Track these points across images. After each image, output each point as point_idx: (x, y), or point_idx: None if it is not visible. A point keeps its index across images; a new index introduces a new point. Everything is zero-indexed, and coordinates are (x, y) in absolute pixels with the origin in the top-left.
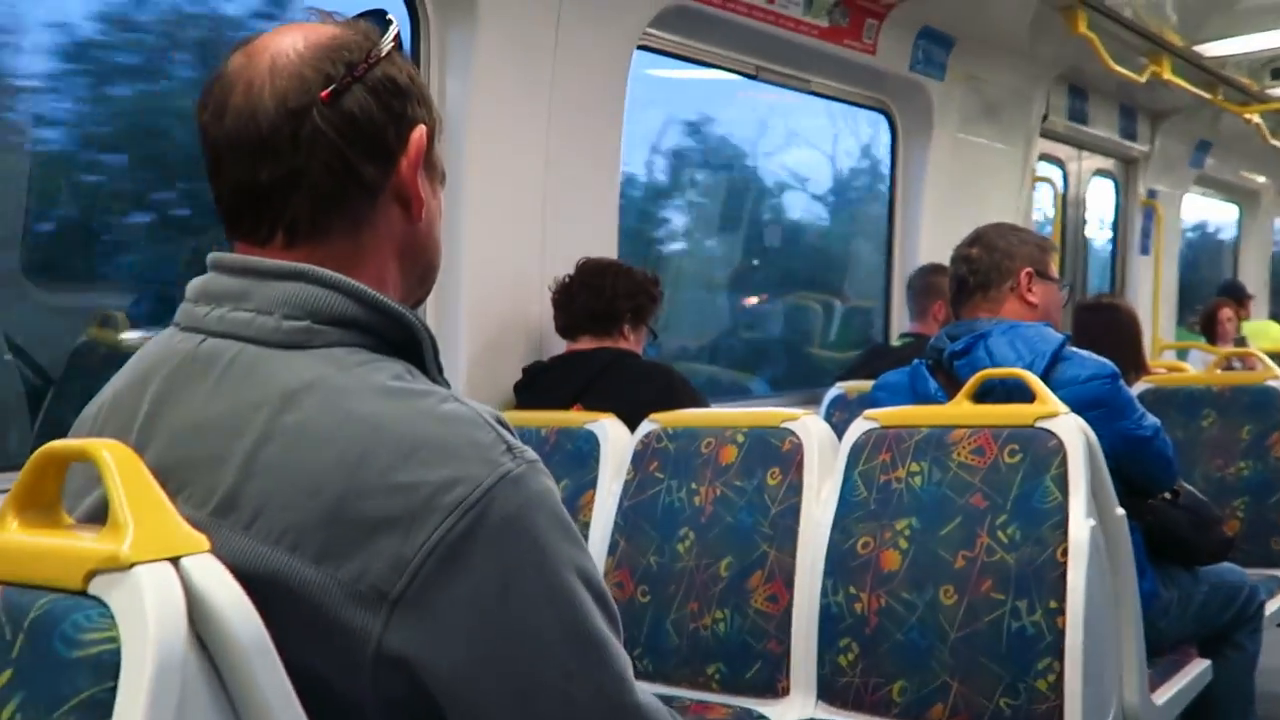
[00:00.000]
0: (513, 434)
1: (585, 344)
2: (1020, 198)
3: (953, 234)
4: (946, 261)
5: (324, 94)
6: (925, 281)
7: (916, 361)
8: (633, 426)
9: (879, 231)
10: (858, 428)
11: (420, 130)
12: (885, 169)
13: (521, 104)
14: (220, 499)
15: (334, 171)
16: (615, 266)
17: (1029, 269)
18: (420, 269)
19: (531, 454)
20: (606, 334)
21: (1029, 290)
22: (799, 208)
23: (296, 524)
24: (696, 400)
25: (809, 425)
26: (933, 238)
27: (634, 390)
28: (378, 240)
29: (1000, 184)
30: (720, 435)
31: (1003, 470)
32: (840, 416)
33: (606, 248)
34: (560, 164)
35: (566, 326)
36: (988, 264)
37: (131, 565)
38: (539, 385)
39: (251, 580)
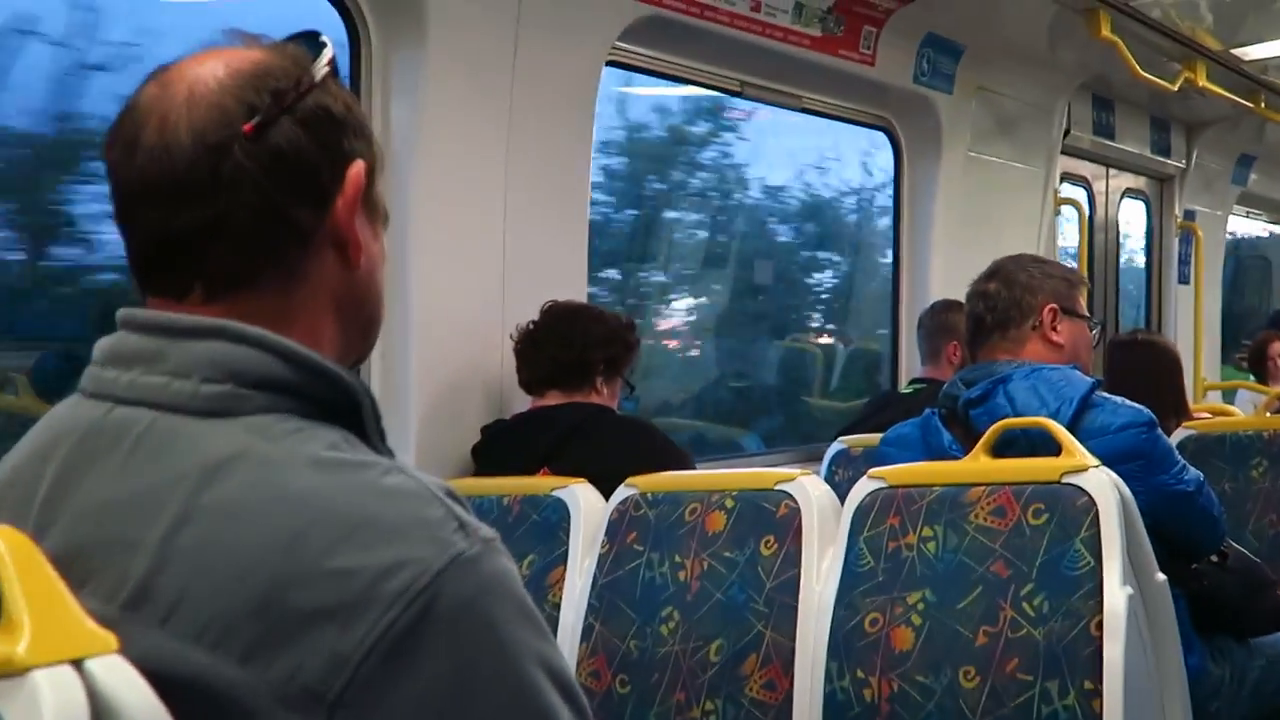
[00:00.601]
0: (466, 509)
1: (553, 399)
2: (1042, 223)
3: (967, 266)
4: (961, 297)
5: (247, 127)
6: (937, 320)
7: (928, 411)
8: (607, 492)
9: (884, 265)
10: (863, 488)
11: (358, 166)
12: (890, 193)
13: (477, 131)
14: (132, 590)
15: (260, 215)
16: (586, 311)
17: (1053, 305)
18: (361, 322)
19: (488, 531)
20: (577, 388)
21: (1053, 329)
22: (792, 239)
23: (219, 618)
24: (680, 460)
25: (807, 486)
26: (945, 270)
27: (609, 451)
28: (311, 292)
29: (1019, 208)
30: (707, 500)
31: (1027, 533)
32: (843, 475)
33: (575, 290)
34: (522, 196)
35: (531, 380)
36: (1007, 300)
37: (28, 670)
38: (500, 448)
39: (167, 683)
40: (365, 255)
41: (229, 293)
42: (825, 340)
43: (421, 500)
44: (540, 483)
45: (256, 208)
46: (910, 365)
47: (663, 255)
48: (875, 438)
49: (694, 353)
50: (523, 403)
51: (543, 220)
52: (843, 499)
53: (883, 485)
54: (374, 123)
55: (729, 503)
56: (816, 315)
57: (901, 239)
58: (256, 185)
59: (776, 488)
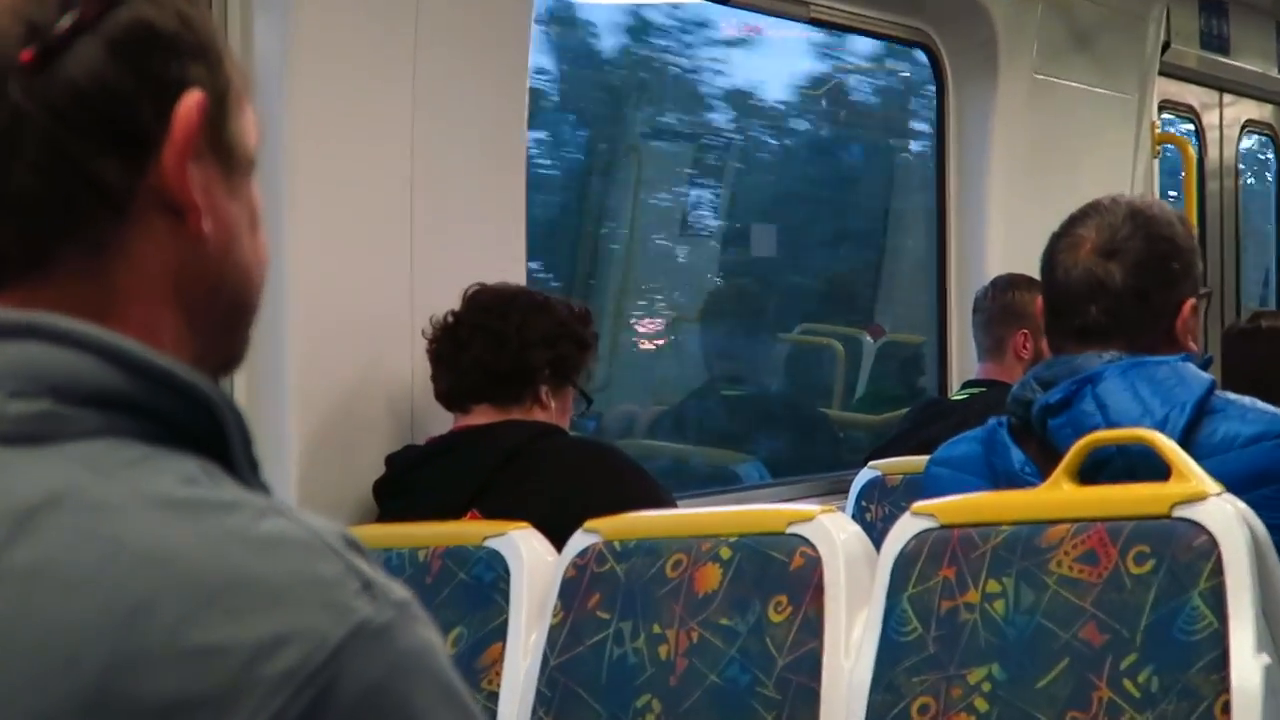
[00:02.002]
0: (372, 564)
1: (482, 417)
2: (1135, 169)
3: (1035, 229)
4: (1027, 269)
5: (26, 55)
6: (999, 303)
7: (993, 422)
8: (560, 541)
9: (926, 227)
10: (905, 529)
11: (193, 100)
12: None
13: (370, 56)
14: None
15: (50, 175)
16: (525, 297)
17: None
18: (219, 313)
19: (400, 592)
20: (515, 401)
21: None
22: (803, 196)
23: (39, 715)
24: (656, 497)
25: (830, 528)
26: (1005, 235)
27: (560, 485)
28: (137, 273)
29: (1103, 150)
30: (695, 549)
31: (1127, 585)
32: (878, 512)
33: (510, 269)
34: (435, 143)
35: (453, 392)
36: None
37: None
38: (413, 483)
39: None
40: (215, 220)
41: (21, 279)
42: (849, 331)
43: (311, 552)
44: (468, 529)
45: (44, 165)
46: (963, 363)
47: (628, 219)
48: (920, 460)
49: (673, 351)
50: (442, 422)
51: (465, 175)
52: (878, 543)
53: (932, 524)
54: (225, 42)
55: (725, 552)
56: (837, 297)
57: (947, 195)
58: (44, 134)
59: (789, 531)
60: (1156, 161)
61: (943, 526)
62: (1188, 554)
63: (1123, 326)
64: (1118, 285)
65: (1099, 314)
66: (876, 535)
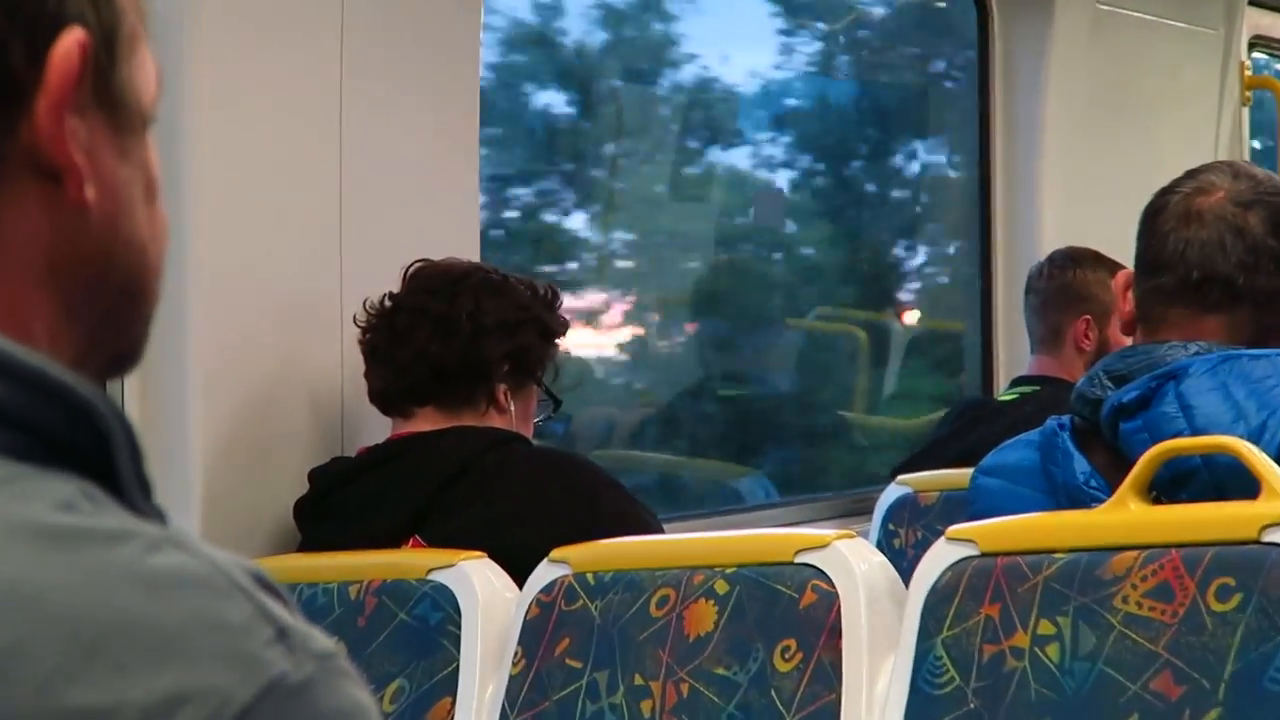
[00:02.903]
0: (288, 606)
1: (426, 422)
2: (1221, 119)
3: (1099, 191)
4: (1089, 241)
5: None
6: (1058, 282)
7: (1053, 423)
8: (521, 572)
9: (965, 193)
10: (940, 558)
11: (72, 39)
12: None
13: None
14: None
15: None
16: (479, 275)
17: None
18: (106, 300)
19: (322, 641)
20: (466, 402)
21: None
22: (811, 150)
23: None
24: (639, 520)
25: (849, 556)
26: (1063, 201)
27: (522, 505)
28: (1, 251)
29: (1181, 96)
30: (686, 582)
31: (1208, 625)
32: (908, 537)
33: (461, 241)
34: (369, 90)
35: (390, 392)
36: None
37: None
38: (342, 504)
39: None
40: (100, 186)
41: None
42: (874, 316)
43: (213, 592)
44: (409, 560)
45: None
46: (1012, 355)
47: (600, 178)
48: (959, 475)
49: (658, 341)
50: (377, 429)
51: (404, 128)
52: (907, 575)
53: (972, 552)
54: None
55: (721, 586)
56: (859, 275)
57: (992, 153)
58: None
59: (799, 560)
60: (1246, 110)
61: (985, 554)
62: None
63: (1255, 290)
64: (1257, 236)
65: (1233, 267)
66: (906, 565)
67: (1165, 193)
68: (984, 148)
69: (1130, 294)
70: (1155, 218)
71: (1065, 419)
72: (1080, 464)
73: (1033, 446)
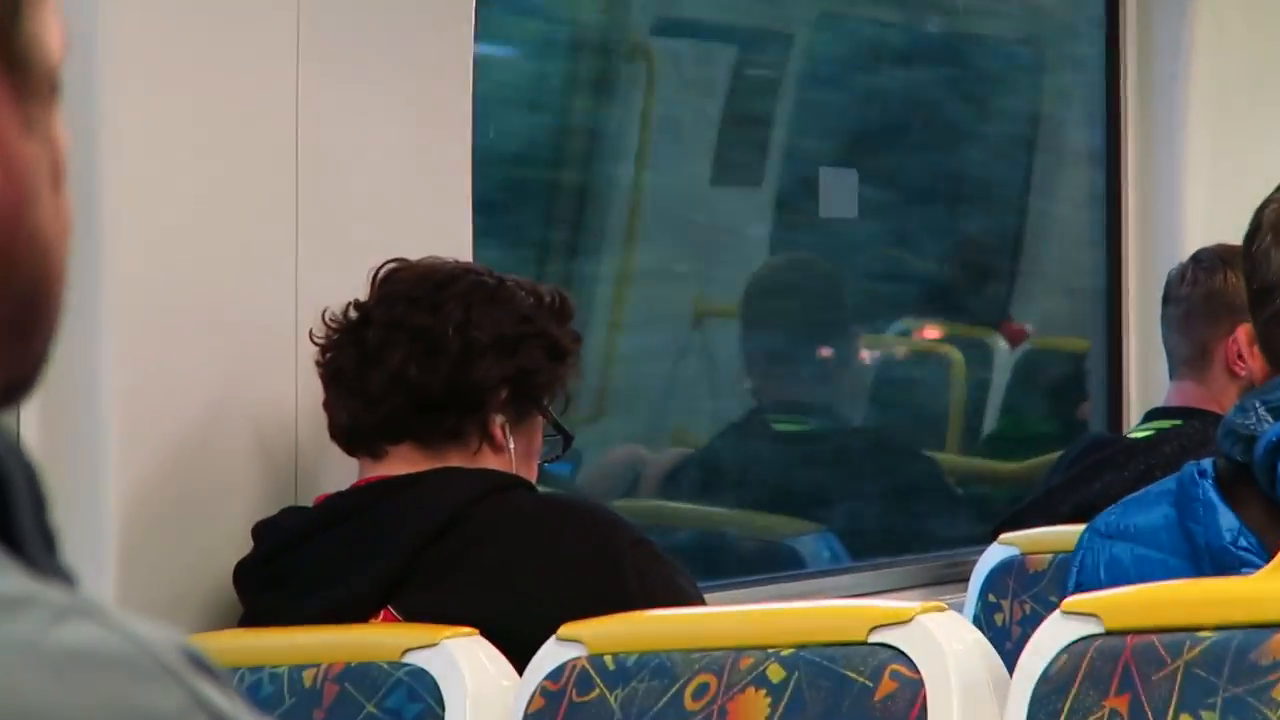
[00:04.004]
0: (229, 692)
1: (402, 464)
2: None
3: (1259, 180)
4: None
5: None
6: (1205, 288)
7: (1191, 469)
8: (521, 655)
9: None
10: (1054, 636)
11: None
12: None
13: None
14: None
15: None
16: (470, 279)
17: None
18: (2, 308)
19: None
20: (454, 438)
21: None
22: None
23: None
24: (673, 588)
25: (937, 635)
26: (1212, 189)
27: (522, 568)
28: None
29: None
30: (729, 667)
31: None
32: (1014, 611)
33: (450, 238)
34: (330, 65)
35: (359, 425)
36: None
37: None
38: (295, 567)
39: None
40: (1, 163)
41: None
42: (972, 332)
43: (134, 675)
44: (380, 638)
45: None
46: (1147, 381)
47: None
48: (1076, 533)
49: (693, 360)
50: (341, 472)
51: (376, 98)
52: (1012, 658)
53: (1094, 629)
54: None
55: (776, 672)
56: (954, 282)
57: (1123, 131)
58: None
59: (874, 639)
60: None
61: (1110, 632)
62: None
63: None
64: None
65: None
66: (1010, 646)
67: (1261, 207)
68: (1112, 126)
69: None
70: (1251, 239)
71: (1207, 463)
72: (1227, 519)
73: (1168, 499)
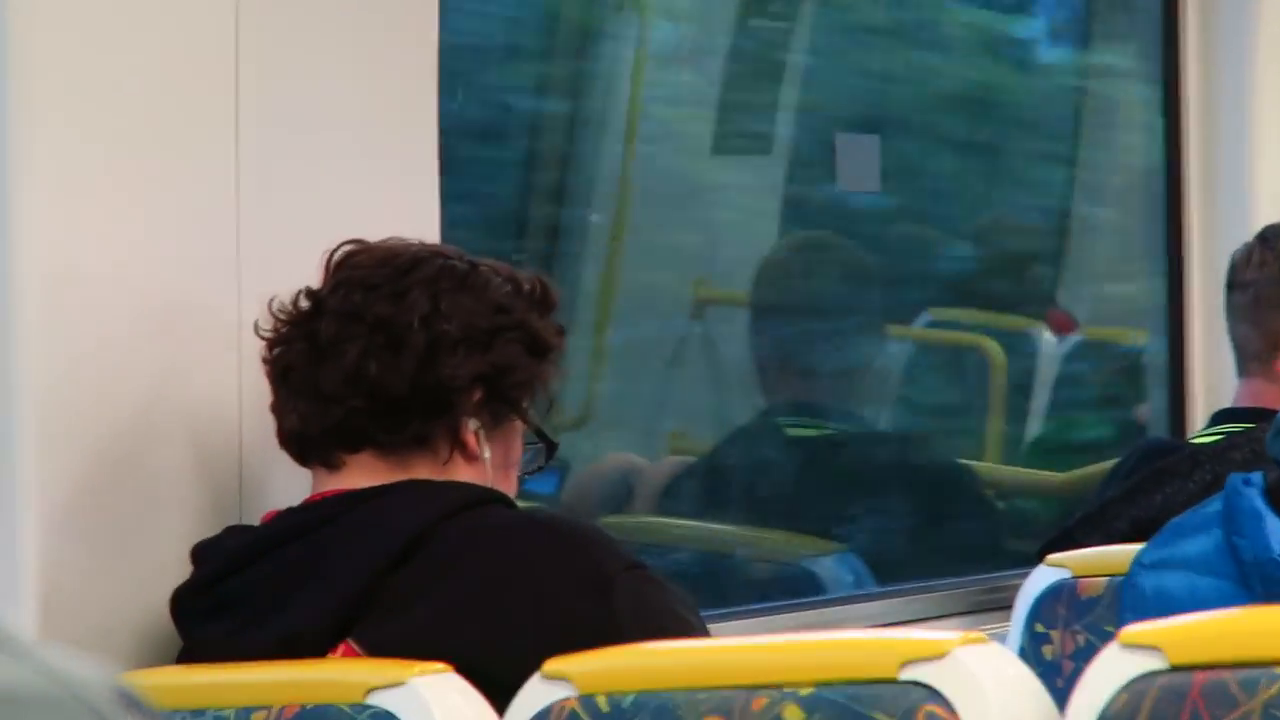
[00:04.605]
0: None
1: (362, 476)
2: None
3: None
4: None
5: None
6: (1278, 270)
7: (1236, 480)
8: (500, 694)
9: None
10: (1112, 673)
11: None
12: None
13: None
14: None
15: None
16: (436, 263)
17: None
18: None
19: None
20: (420, 445)
21: None
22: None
23: None
24: (673, 617)
25: (976, 671)
26: None
27: (500, 596)
28: None
29: None
30: (741, 709)
31: None
32: (1065, 642)
33: (414, 218)
34: (274, 17)
35: (311, 431)
36: None
37: None
38: (240, 594)
39: None
40: None
41: None
42: (1012, 322)
43: (59, 717)
44: (340, 675)
45: None
46: (1212, 378)
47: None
48: (1134, 553)
49: (694, 355)
50: (292, 485)
51: (326, 56)
52: (1064, 696)
53: (1158, 665)
54: None
55: (794, 713)
56: (991, 265)
57: (1182, 93)
58: None
59: (905, 675)
60: None
61: (1176, 668)
62: None
63: None
64: None
65: None
66: (1061, 682)
67: None
68: (1170, 87)
69: None
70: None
71: (1256, 475)
72: (1275, 528)
73: (1216, 520)
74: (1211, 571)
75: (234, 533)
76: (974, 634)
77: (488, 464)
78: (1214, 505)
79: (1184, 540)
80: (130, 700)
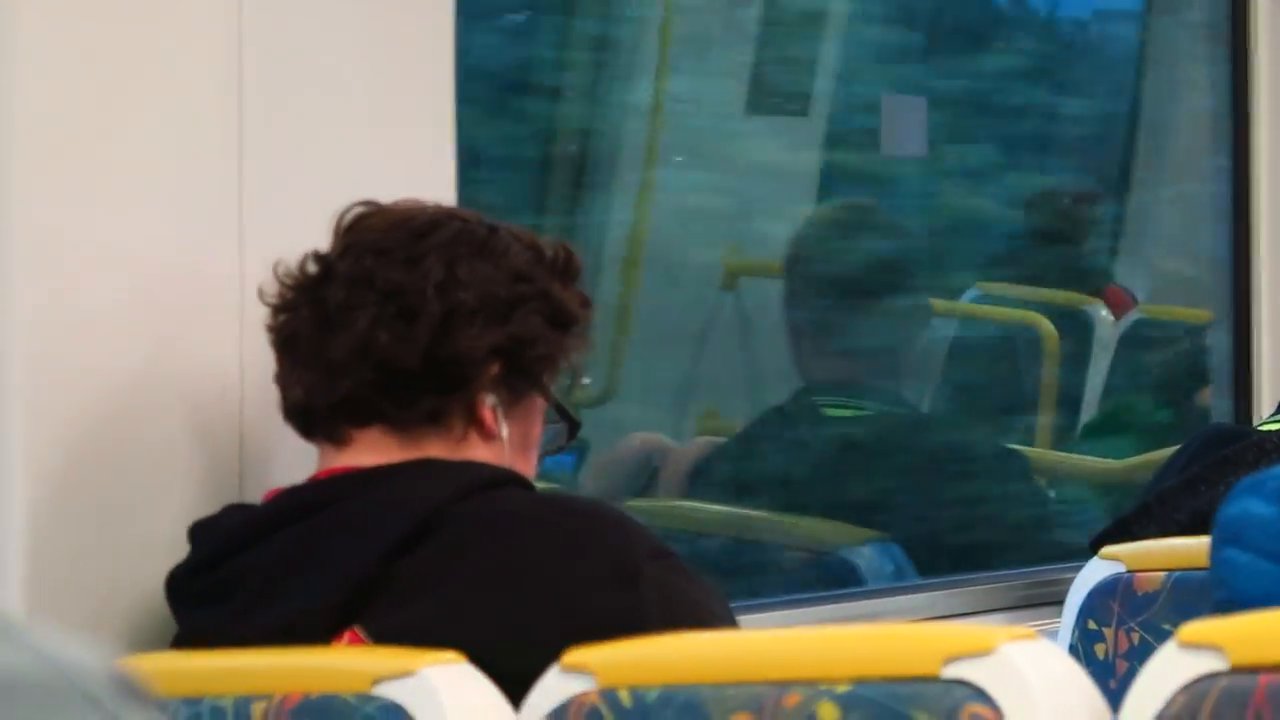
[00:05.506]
0: None
1: (371, 453)
2: None
3: None
4: None
5: None
6: None
7: None
8: (516, 685)
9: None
10: (1169, 673)
11: None
12: None
13: None
14: None
15: None
16: (454, 227)
17: None
18: None
19: None
20: (434, 422)
21: None
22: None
23: None
24: (701, 608)
25: (1024, 669)
26: None
27: (517, 583)
28: None
29: None
30: (772, 705)
31: None
32: (1120, 640)
33: (430, 178)
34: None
35: (317, 405)
36: None
37: None
38: (240, 576)
39: None
40: None
41: None
42: (1067, 299)
43: (49, 703)
44: (346, 664)
45: None
46: None
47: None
48: (1199, 545)
49: (733, 331)
50: (296, 462)
51: (334, 10)
52: (1118, 697)
53: (1219, 666)
54: None
55: (829, 711)
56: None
57: (1252, 57)
58: None
59: (948, 673)
60: None
61: (1237, 669)
62: None
63: None
64: None
65: None
66: (1115, 683)
67: None
68: (1238, 51)
69: None
70: None
71: None
72: None
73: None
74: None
75: (233, 512)
76: (1022, 629)
77: (505, 443)
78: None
79: (1250, 506)
80: (128, 687)
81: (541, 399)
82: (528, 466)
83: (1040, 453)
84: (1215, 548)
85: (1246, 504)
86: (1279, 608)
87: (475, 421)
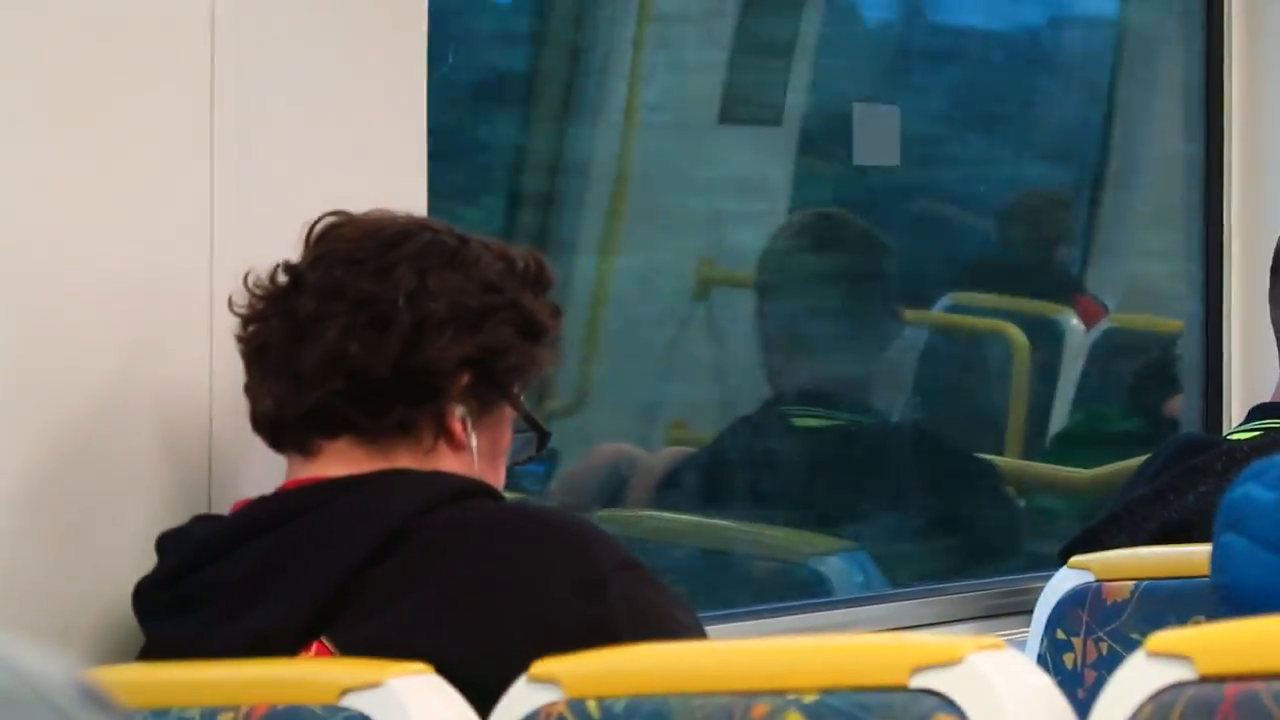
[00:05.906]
0: None
1: (340, 464)
2: None
3: None
4: None
5: None
6: None
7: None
8: (484, 698)
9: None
10: (1137, 683)
11: None
12: None
13: None
14: None
15: None
16: (425, 238)
17: None
18: None
19: None
20: (403, 432)
21: None
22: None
23: None
24: (669, 618)
25: (992, 678)
26: None
27: (485, 594)
28: None
29: None
30: (737, 715)
31: None
32: (1088, 649)
33: (401, 189)
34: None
35: (286, 415)
36: None
37: None
38: (207, 588)
39: None
40: None
41: None
42: (1038, 308)
43: (18, 717)
44: (313, 675)
45: None
46: (1251, 371)
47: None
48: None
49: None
50: (264, 472)
51: (310, 13)
52: (1085, 709)
53: (1187, 675)
54: None
55: None
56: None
57: (1226, 60)
58: None
59: (916, 683)
60: None
61: (1205, 679)
62: None
63: None
64: None
65: None
66: (1083, 693)
67: None
68: (1211, 57)
69: None
70: None
71: None
72: None
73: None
74: (1270, 570)
75: (202, 522)
76: (990, 639)
77: (474, 453)
78: (1271, 499)
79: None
80: (95, 698)
81: (511, 409)
82: (496, 477)
83: (1010, 461)
84: (1216, 532)
85: (1249, 489)
86: (1272, 597)
87: (445, 432)
